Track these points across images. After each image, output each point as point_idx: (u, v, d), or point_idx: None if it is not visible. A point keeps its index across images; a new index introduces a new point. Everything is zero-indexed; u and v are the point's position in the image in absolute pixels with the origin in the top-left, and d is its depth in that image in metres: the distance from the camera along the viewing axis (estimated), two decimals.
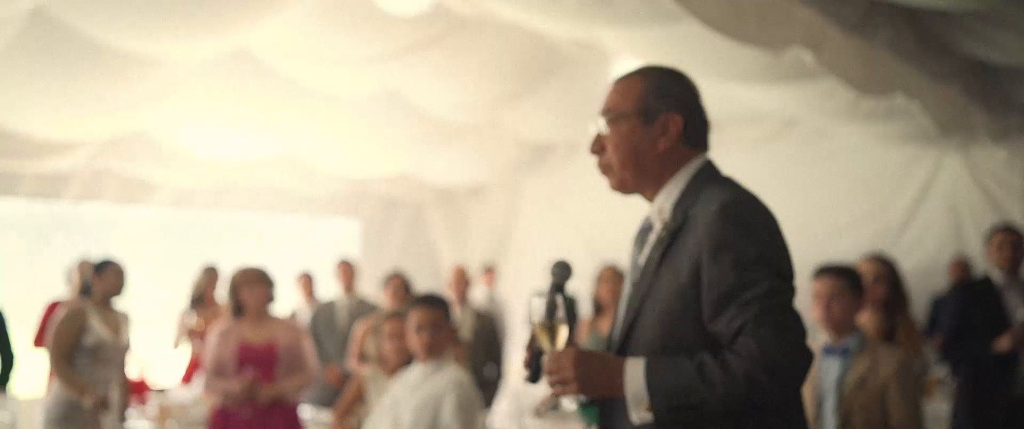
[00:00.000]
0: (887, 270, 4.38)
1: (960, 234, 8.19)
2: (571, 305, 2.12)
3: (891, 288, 4.33)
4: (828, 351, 3.50)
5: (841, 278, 3.49)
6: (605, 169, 2.19)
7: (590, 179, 10.19)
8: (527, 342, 2.11)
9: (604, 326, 5.44)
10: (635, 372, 1.91)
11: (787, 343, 1.86)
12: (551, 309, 2.09)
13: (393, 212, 10.77)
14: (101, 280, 5.09)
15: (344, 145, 8.78)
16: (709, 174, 2.11)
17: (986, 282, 5.11)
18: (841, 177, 8.61)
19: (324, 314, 6.90)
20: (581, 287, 10.09)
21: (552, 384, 2.00)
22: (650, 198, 2.16)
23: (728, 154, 9.94)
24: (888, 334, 4.29)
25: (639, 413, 1.91)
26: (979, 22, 4.33)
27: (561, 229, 10.80)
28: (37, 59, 6.10)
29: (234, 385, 4.81)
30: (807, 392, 3.52)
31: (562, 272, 2.20)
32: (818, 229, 8.59)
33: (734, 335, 1.89)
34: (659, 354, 1.96)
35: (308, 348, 5.18)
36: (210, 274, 6.97)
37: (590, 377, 1.95)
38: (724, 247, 1.91)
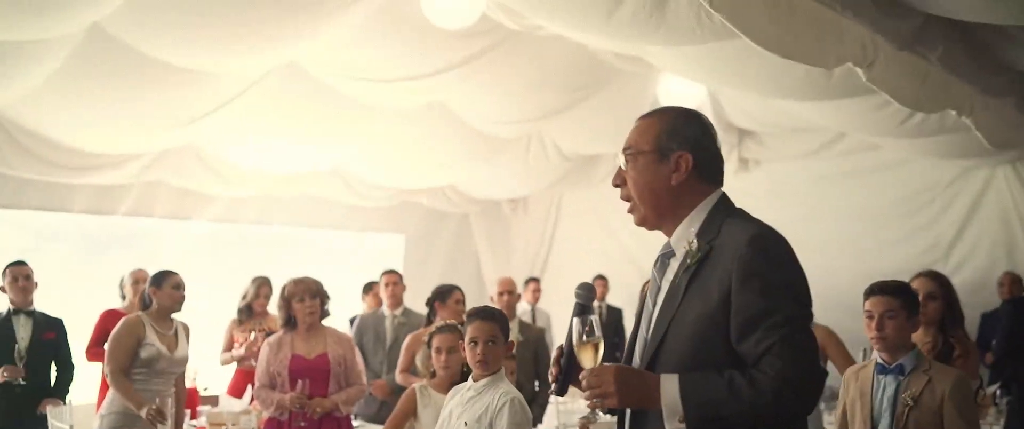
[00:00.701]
0: (941, 287, 4.33)
1: (1011, 249, 8.07)
2: (595, 323, 2.30)
3: (946, 306, 4.27)
4: (882, 370, 3.47)
5: (895, 296, 3.46)
6: (630, 205, 2.40)
7: None
8: (554, 356, 2.33)
9: None
10: (670, 386, 2.08)
11: (807, 363, 2.05)
12: (590, 329, 2.27)
13: (437, 225, 10.84)
14: (159, 292, 5.17)
15: (390, 157, 8.88)
16: (725, 207, 2.28)
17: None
18: (891, 191, 8.53)
19: (370, 326, 6.96)
20: (623, 299, 10.18)
21: (592, 396, 2.16)
22: (669, 232, 2.34)
23: (775, 167, 9.98)
24: (943, 353, 4.23)
25: (673, 424, 2.07)
26: None
27: (604, 241, 10.82)
28: (92, 74, 6.25)
29: (287, 399, 4.87)
30: (858, 411, 3.50)
31: (586, 293, 2.40)
32: (867, 243, 8.53)
33: (760, 355, 2.06)
34: (689, 370, 2.11)
35: (359, 360, 5.24)
36: (260, 285, 7.05)
37: (628, 390, 2.12)
38: (753, 275, 2.07)
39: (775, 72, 4.96)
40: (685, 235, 2.27)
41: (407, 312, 7.04)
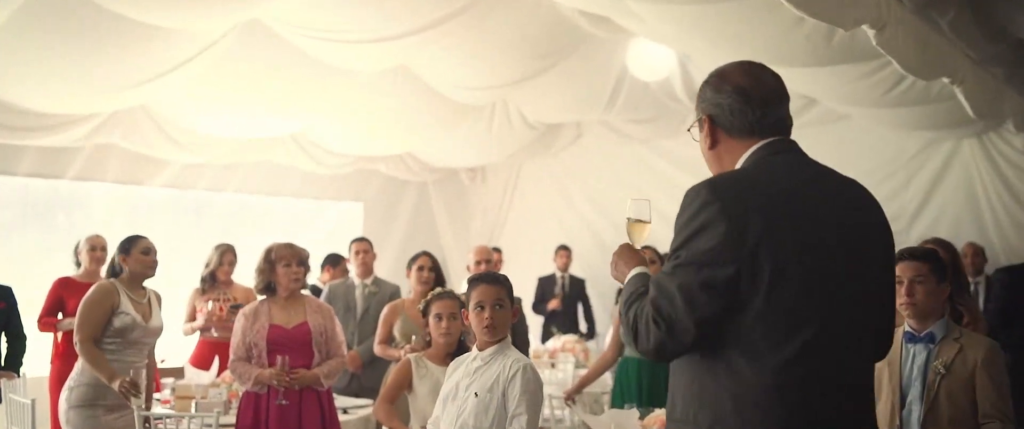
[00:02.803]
0: (949, 254, 4.28)
1: (975, 220, 8.17)
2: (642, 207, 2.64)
3: (954, 273, 4.23)
4: (911, 338, 3.39)
5: (925, 262, 3.37)
6: None
7: (594, 161, 10.25)
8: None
9: None
10: (627, 277, 2.26)
11: (651, 315, 2.05)
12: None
13: (396, 193, 10.60)
14: (128, 258, 4.85)
15: (350, 123, 8.59)
16: (755, 157, 2.20)
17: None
18: (857, 161, 8.46)
19: (340, 295, 6.71)
20: (584, 269, 10.08)
21: None
22: None
23: None
24: (951, 320, 4.19)
25: None
26: None
27: (563, 211, 10.70)
28: (41, 29, 5.83)
29: (267, 374, 4.63)
30: (887, 380, 3.41)
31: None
32: None
33: None
34: None
35: (339, 330, 5.02)
36: (224, 252, 6.75)
37: (617, 269, 2.34)
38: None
39: (776, 36, 4.84)
40: None
41: (378, 281, 6.81)
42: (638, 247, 2.46)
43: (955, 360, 3.32)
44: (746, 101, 2.21)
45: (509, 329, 3.53)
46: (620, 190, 10.31)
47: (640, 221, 2.55)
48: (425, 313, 4.20)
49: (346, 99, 8.01)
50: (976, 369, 3.29)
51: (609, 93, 8.93)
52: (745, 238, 2.00)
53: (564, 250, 9.88)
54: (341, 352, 4.97)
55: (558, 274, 9.79)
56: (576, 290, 9.77)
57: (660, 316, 2.04)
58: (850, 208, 2.16)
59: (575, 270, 9.95)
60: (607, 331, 9.52)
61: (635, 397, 5.08)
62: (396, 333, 5.72)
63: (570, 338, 8.28)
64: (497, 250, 9.54)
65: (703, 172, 8.59)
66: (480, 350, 3.46)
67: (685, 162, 9.85)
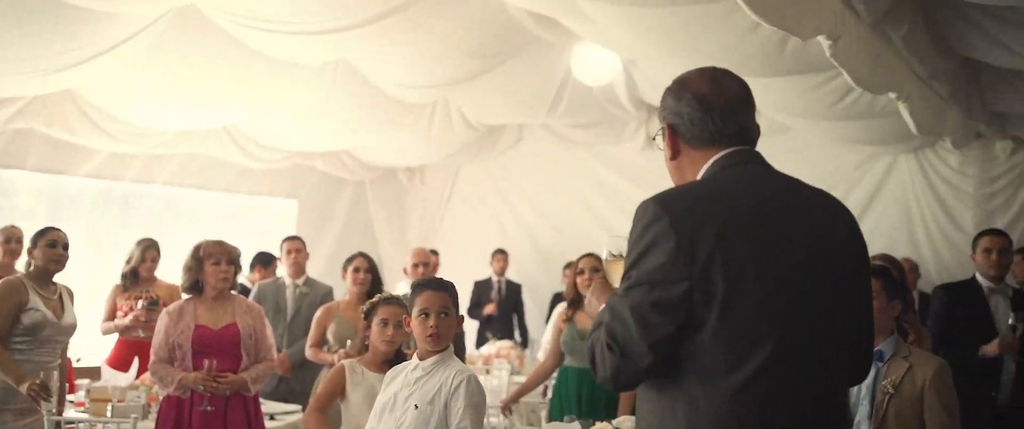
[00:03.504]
0: (898, 271, 4.26)
1: (910, 236, 8.26)
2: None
3: (902, 290, 4.21)
4: None
5: (878, 278, 3.31)
6: None
7: (534, 165, 10.11)
8: None
9: (585, 320, 5.15)
10: (602, 309, 2.13)
11: (607, 340, 1.96)
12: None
13: (331, 191, 10.34)
14: (33, 250, 4.58)
15: (286, 117, 8.33)
16: (713, 169, 2.10)
17: (972, 283, 5.08)
18: (796, 174, 8.52)
19: (269, 295, 6.46)
20: (522, 274, 9.96)
21: None
22: None
23: None
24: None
25: None
26: (996, 23, 4.25)
27: (502, 215, 10.59)
28: None
29: (192, 377, 4.39)
30: None
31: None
32: None
33: None
34: None
35: (270, 332, 4.80)
36: (147, 248, 6.45)
37: (590, 302, 2.26)
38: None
39: (730, 44, 4.78)
40: None
41: (310, 282, 6.60)
42: (617, 285, 2.35)
43: (904, 379, 3.27)
44: (706, 110, 2.10)
45: (452, 338, 3.38)
46: (560, 195, 10.25)
47: (618, 258, 2.41)
48: (368, 316, 4.02)
49: (283, 93, 7.75)
50: (925, 388, 3.24)
51: (552, 97, 8.83)
52: (695, 254, 1.90)
53: (501, 254, 9.74)
54: (270, 356, 4.76)
55: (495, 278, 9.65)
56: (512, 295, 9.65)
57: (614, 341, 1.95)
58: (815, 219, 2.06)
59: (512, 275, 9.82)
60: (542, 338, 9.45)
61: (574, 408, 4.96)
62: (329, 336, 5.52)
63: (506, 344, 8.16)
64: (434, 252, 9.36)
65: (645, 179, 8.60)
66: (421, 359, 3.30)
67: (627, 168, 9.82)
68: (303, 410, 5.67)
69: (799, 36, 3.71)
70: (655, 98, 8.88)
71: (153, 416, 4.71)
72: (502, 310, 9.46)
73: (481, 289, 9.62)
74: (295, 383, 6.14)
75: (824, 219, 2.08)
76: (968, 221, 7.91)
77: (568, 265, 9.33)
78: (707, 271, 1.89)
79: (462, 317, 3.50)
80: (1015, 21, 4.17)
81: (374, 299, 4.18)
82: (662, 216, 1.93)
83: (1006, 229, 6.32)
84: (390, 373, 3.44)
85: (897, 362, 3.30)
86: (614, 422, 3.88)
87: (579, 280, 5.14)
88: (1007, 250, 5.06)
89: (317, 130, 8.69)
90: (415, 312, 3.34)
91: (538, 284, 9.96)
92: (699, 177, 2.09)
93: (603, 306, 2.12)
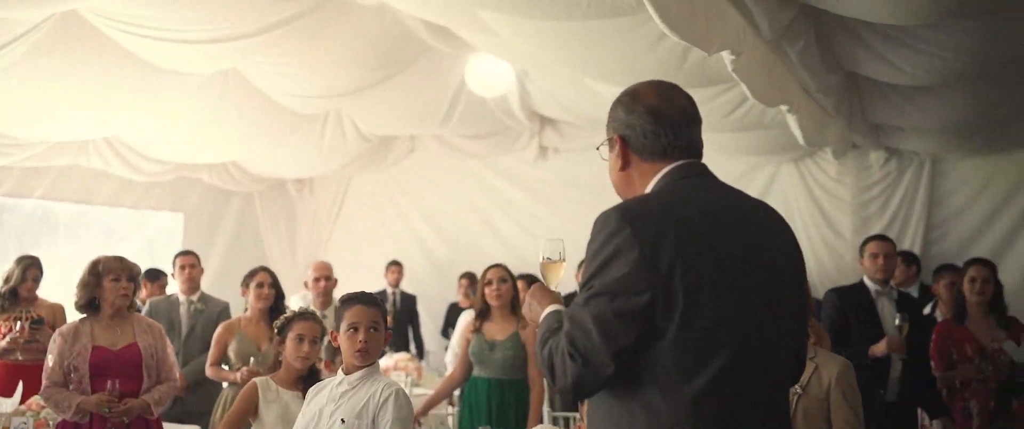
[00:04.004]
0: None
1: None
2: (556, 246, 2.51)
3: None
4: None
5: None
6: None
7: (427, 176, 10.08)
8: None
9: (493, 331, 5.17)
10: (542, 315, 2.19)
11: (569, 353, 1.97)
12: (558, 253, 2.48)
13: (218, 204, 10.04)
14: None
15: (173, 127, 8.05)
16: (665, 181, 2.15)
17: (860, 286, 5.33)
18: None
19: (162, 312, 6.22)
20: (415, 286, 9.91)
21: None
22: None
23: (573, 157, 10.12)
24: None
25: None
26: (881, 39, 4.50)
27: (395, 227, 10.52)
28: None
29: (92, 401, 4.19)
30: None
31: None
32: None
33: None
34: None
35: (171, 351, 4.63)
36: (28, 267, 6.11)
37: (530, 309, 2.27)
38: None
39: (630, 57, 4.90)
40: None
41: (205, 298, 6.39)
42: (553, 287, 2.39)
43: (811, 379, 3.42)
44: (658, 123, 2.16)
45: (380, 354, 3.35)
46: (453, 206, 10.25)
47: (555, 261, 2.47)
48: (282, 332, 3.94)
49: (168, 102, 7.50)
50: (831, 388, 3.40)
51: (446, 107, 8.84)
52: (658, 264, 1.94)
53: (396, 266, 9.68)
54: (173, 375, 4.59)
55: (389, 290, 9.57)
56: (407, 307, 9.59)
57: (576, 350, 1.96)
58: (760, 230, 2.13)
59: (406, 286, 9.76)
60: (444, 349, 9.42)
61: (484, 419, 4.96)
62: (231, 354, 5.37)
63: (403, 356, 8.09)
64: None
65: (537, 189, 8.67)
66: (347, 374, 3.26)
67: (520, 179, 9.90)
68: None
69: (706, 50, 3.84)
70: (548, 109, 9.07)
71: None
72: (397, 322, 9.37)
73: None
74: (190, 403, 5.91)
75: (771, 230, 2.16)
76: (846, 227, 8.31)
77: (463, 275, 9.37)
78: (669, 281, 1.93)
79: (390, 332, 3.48)
80: (898, 39, 4.43)
81: (289, 314, 4.10)
82: (625, 227, 1.96)
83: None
84: (313, 389, 3.39)
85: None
86: None
87: (487, 291, 5.16)
88: (892, 255, 5.34)
89: (205, 141, 8.45)
90: (343, 326, 3.30)
91: (432, 295, 9.93)
92: (650, 188, 2.14)
93: (547, 311, 2.16)
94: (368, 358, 3.25)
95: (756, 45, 4.36)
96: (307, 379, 4.00)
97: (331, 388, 3.28)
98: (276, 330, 4.01)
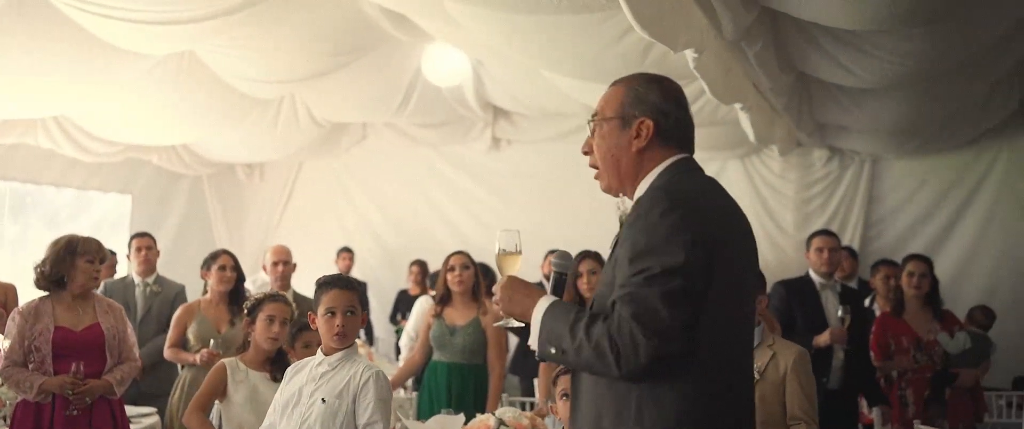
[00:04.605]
0: None
1: None
2: (561, 279, 2.40)
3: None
4: None
5: None
6: (596, 171, 2.39)
7: (378, 163, 10.10)
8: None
9: (454, 316, 5.28)
10: (541, 307, 2.18)
11: (638, 329, 1.97)
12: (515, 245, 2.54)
13: (167, 187, 9.93)
14: None
15: (123, 108, 7.96)
16: (678, 170, 2.25)
17: (806, 279, 5.56)
18: None
19: (118, 294, 6.18)
20: (366, 273, 9.95)
21: (496, 302, 2.32)
22: (631, 196, 2.31)
23: (526, 148, 10.24)
24: None
25: (533, 342, 2.19)
26: (838, 45, 4.71)
27: (345, 214, 10.53)
28: None
29: (56, 383, 4.18)
30: None
31: (564, 263, 2.46)
32: (610, 225, 8.95)
33: (610, 311, 2.06)
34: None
35: (131, 332, 4.64)
36: None
37: (512, 303, 2.26)
38: (627, 237, 2.09)
39: (594, 52, 5.04)
40: (636, 198, 2.27)
41: (161, 280, 6.37)
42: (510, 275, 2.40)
43: (768, 365, 3.59)
44: (686, 114, 2.29)
45: (355, 336, 3.43)
46: (404, 194, 10.30)
47: (511, 253, 2.50)
48: (252, 313, 3.99)
49: (121, 83, 7.41)
50: (787, 374, 3.58)
51: (401, 96, 8.88)
52: (706, 249, 2.02)
53: (346, 252, 9.70)
54: (133, 355, 4.60)
55: None
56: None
57: (648, 330, 1.95)
58: (746, 225, 2.28)
59: (356, 273, 9.79)
60: (387, 337, 9.48)
61: (445, 403, 5.07)
62: (190, 336, 5.39)
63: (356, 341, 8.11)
64: None
65: (489, 179, 8.75)
66: (326, 355, 3.33)
67: (472, 168, 9.99)
68: (158, 412, 5.51)
69: (672, 48, 3.99)
70: (502, 100, 9.17)
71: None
72: None
73: None
74: (146, 385, 5.90)
75: (748, 225, 2.30)
76: (789, 223, 8.59)
77: (413, 263, 9.43)
78: (711, 267, 2.02)
79: (366, 315, 3.56)
80: (851, 43, 4.64)
81: (259, 296, 4.16)
82: (677, 210, 2.03)
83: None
84: (291, 369, 3.45)
85: (763, 350, 3.62)
86: (497, 413, 4.02)
87: (450, 277, 5.26)
88: (836, 249, 5.58)
89: (157, 123, 8.36)
90: (321, 310, 3.37)
91: (382, 282, 9.99)
92: (655, 174, 2.21)
93: (547, 303, 2.16)
94: (345, 341, 3.33)
95: (717, 45, 4.53)
96: (275, 361, 4.07)
97: (311, 368, 3.35)
98: (245, 312, 4.05)
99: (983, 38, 4.88)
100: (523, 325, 2.29)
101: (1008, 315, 7.51)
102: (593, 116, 2.36)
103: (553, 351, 2.11)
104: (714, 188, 2.23)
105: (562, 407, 3.28)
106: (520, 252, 2.53)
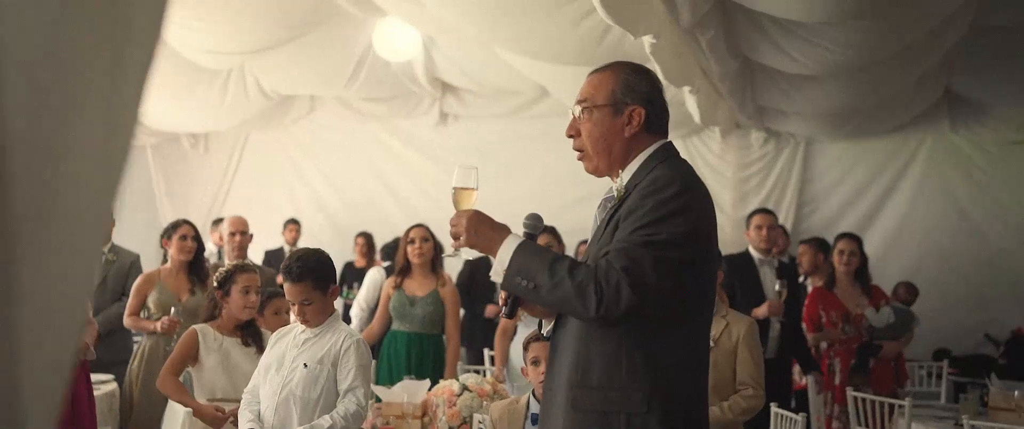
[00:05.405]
0: None
1: None
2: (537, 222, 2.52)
3: None
4: None
5: None
6: (581, 154, 2.51)
7: (325, 136, 10.18)
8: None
9: (413, 287, 5.45)
10: (511, 243, 2.27)
11: (625, 280, 2.13)
12: (471, 179, 2.51)
13: None
14: None
15: None
16: (663, 155, 2.41)
17: (746, 255, 5.86)
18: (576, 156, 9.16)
19: None
20: (315, 244, 10.01)
21: (452, 235, 2.38)
22: (615, 178, 2.46)
23: (472, 124, 10.39)
24: None
25: (497, 272, 2.29)
26: (786, 35, 4.98)
27: (293, 186, 10.57)
28: None
29: None
30: None
31: (535, 223, 2.52)
32: (555, 202, 9.18)
33: (597, 258, 2.21)
34: None
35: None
36: None
37: (478, 235, 2.31)
38: (635, 209, 2.24)
39: (553, 34, 5.22)
40: (622, 181, 2.40)
41: (115, 249, 6.38)
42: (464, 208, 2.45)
43: (722, 334, 3.86)
44: (665, 103, 2.48)
45: (330, 308, 3.55)
46: (351, 167, 10.39)
47: (470, 189, 2.51)
48: (225, 286, 4.09)
49: None
50: (739, 343, 3.85)
51: (351, 70, 8.95)
52: (705, 227, 2.27)
53: (293, 224, 9.76)
54: (91, 319, 4.67)
55: (287, 248, 9.65)
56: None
57: (635, 283, 2.13)
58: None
59: (303, 245, 9.85)
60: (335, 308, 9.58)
61: (404, 370, 5.24)
62: (151, 304, 5.45)
63: (335, 310, 8.20)
64: (219, 221, 9.23)
65: (437, 154, 8.92)
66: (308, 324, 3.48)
67: (420, 143, 10.12)
68: (116, 379, 5.57)
69: (633, 34, 4.21)
70: (451, 76, 9.31)
71: None
72: None
73: (272, 258, 9.58)
74: (103, 352, 5.94)
75: None
76: (726, 201, 8.93)
77: (359, 235, 9.55)
78: (709, 244, 2.28)
79: (336, 288, 3.65)
80: (798, 33, 4.93)
81: (228, 268, 4.25)
82: (687, 191, 2.24)
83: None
84: (275, 335, 3.59)
85: (718, 320, 3.87)
86: (460, 378, 4.22)
87: (410, 249, 5.41)
88: (775, 227, 5.90)
89: None
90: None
91: (330, 254, 10.04)
92: (644, 157, 2.38)
93: (517, 242, 2.27)
94: (312, 324, 3.44)
95: (673, 31, 4.76)
96: (245, 327, 4.18)
97: (295, 334, 3.49)
98: (216, 284, 4.14)
99: (916, 32, 5.22)
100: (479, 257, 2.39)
101: (931, 291, 7.98)
102: (582, 101, 2.47)
103: (524, 284, 2.22)
104: (693, 171, 2.45)
105: (533, 371, 3.48)
106: (477, 189, 2.53)
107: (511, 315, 2.47)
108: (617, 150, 2.40)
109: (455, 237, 2.36)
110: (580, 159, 2.52)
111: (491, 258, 2.35)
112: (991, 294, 8.43)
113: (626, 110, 2.39)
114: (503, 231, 2.31)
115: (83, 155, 0.75)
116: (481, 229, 2.32)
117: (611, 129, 2.40)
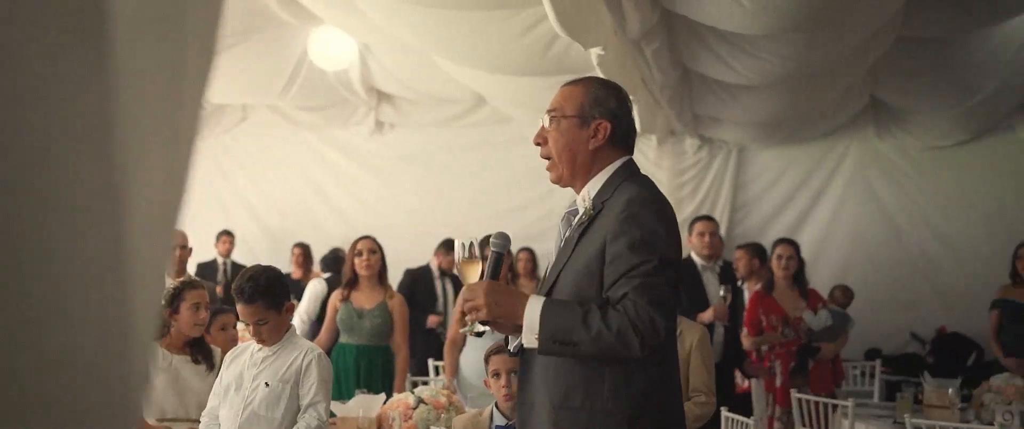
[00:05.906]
0: None
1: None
2: (499, 259, 2.49)
3: None
4: None
5: None
6: (549, 162, 2.56)
7: (259, 145, 10.07)
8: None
9: (361, 299, 5.42)
10: (535, 305, 2.30)
11: (656, 313, 2.23)
12: (472, 250, 2.56)
13: None
14: None
15: None
16: (628, 171, 2.49)
17: (689, 261, 5.97)
18: (516, 162, 9.21)
19: None
20: (246, 255, 9.86)
21: (467, 309, 2.39)
22: (578, 189, 2.53)
23: (408, 132, 10.37)
24: None
25: (530, 339, 2.30)
26: (727, 47, 5.10)
27: (225, 196, 10.39)
28: None
29: None
30: None
31: (502, 242, 2.53)
32: (493, 209, 9.23)
33: (620, 299, 2.26)
34: None
35: None
36: None
37: (498, 305, 2.34)
38: (622, 233, 2.29)
39: (499, 46, 5.25)
40: (587, 195, 2.47)
41: None
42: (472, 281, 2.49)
43: (676, 343, 3.92)
44: (632, 120, 2.56)
45: (287, 325, 3.51)
46: (286, 177, 10.25)
47: (473, 260, 2.55)
48: (173, 303, 4.00)
49: None
50: (691, 351, 3.92)
51: (286, 79, 8.83)
52: (679, 244, 2.39)
53: (227, 235, 9.58)
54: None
55: (220, 260, 9.48)
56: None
57: (664, 313, 2.25)
58: None
59: (238, 256, 9.69)
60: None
61: (355, 383, 5.21)
62: None
63: (240, 325, 8.09)
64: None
65: (371, 163, 8.90)
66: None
67: (354, 152, 10.04)
68: None
69: (583, 45, 4.26)
70: (387, 85, 9.27)
71: None
72: (228, 292, 9.30)
73: (205, 270, 9.40)
74: None
75: None
76: None
77: (296, 245, 9.43)
78: (678, 263, 2.38)
79: (292, 303, 3.61)
80: (739, 45, 5.06)
81: (176, 285, 4.16)
82: (664, 209, 2.35)
83: (693, 214, 7.44)
84: (230, 355, 3.54)
85: None
86: (416, 391, 4.21)
87: (357, 261, 5.38)
88: (716, 233, 6.03)
89: None
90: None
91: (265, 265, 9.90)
92: (609, 173, 2.45)
93: (541, 302, 2.29)
94: (269, 342, 3.41)
95: (620, 43, 4.83)
96: (194, 344, 4.11)
97: (252, 353, 3.44)
98: (164, 302, 4.05)
99: (849, 44, 5.39)
100: (486, 331, 2.46)
101: (859, 293, 8.24)
102: (551, 111, 2.52)
103: (560, 345, 2.25)
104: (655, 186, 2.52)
105: (494, 384, 3.49)
106: (479, 258, 2.55)
107: (480, 334, 2.54)
108: (581, 160, 2.46)
109: (471, 311, 2.37)
110: (548, 169, 2.56)
111: (491, 330, 2.44)
112: (915, 294, 8.75)
113: (593, 123, 2.45)
114: (521, 296, 2.34)
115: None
116: (500, 299, 2.35)
117: (576, 139, 2.46)
